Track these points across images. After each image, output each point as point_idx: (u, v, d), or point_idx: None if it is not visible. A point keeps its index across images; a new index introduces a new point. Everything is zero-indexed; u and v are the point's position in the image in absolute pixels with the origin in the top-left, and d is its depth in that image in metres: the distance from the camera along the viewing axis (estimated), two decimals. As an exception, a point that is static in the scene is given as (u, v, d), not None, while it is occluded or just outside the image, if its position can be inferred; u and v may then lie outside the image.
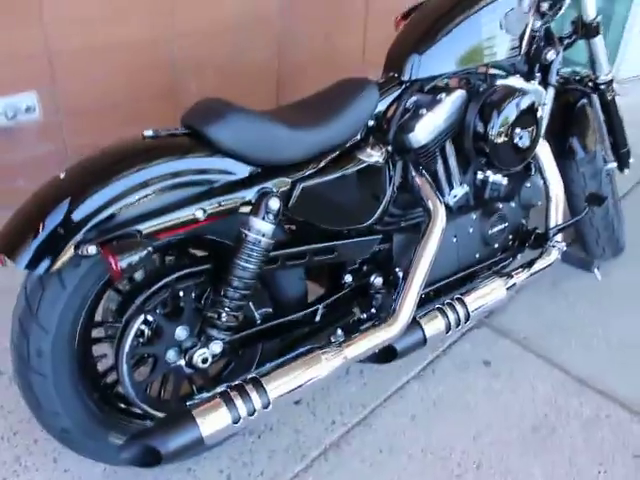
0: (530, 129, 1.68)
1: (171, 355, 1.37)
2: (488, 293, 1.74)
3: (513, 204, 1.87)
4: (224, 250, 1.40)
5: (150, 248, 1.17)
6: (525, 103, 1.64)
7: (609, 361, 1.99)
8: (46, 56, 2.17)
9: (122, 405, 1.45)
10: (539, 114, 1.70)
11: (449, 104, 1.62)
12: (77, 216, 1.17)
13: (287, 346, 1.51)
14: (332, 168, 1.46)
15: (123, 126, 2.40)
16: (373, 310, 1.63)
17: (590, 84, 2.10)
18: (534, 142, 1.71)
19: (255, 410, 1.30)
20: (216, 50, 2.50)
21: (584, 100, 2.07)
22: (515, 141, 1.66)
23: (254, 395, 1.30)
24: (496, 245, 1.86)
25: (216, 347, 1.34)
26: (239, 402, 1.28)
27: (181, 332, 1.36)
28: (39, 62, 2.16)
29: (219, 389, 1.30)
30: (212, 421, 1.25)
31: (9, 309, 1.30)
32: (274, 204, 1.30)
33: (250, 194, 1.32)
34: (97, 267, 1.25)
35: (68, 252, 1.17)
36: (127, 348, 1.30)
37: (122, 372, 1.31)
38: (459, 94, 1.64)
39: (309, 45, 2.76)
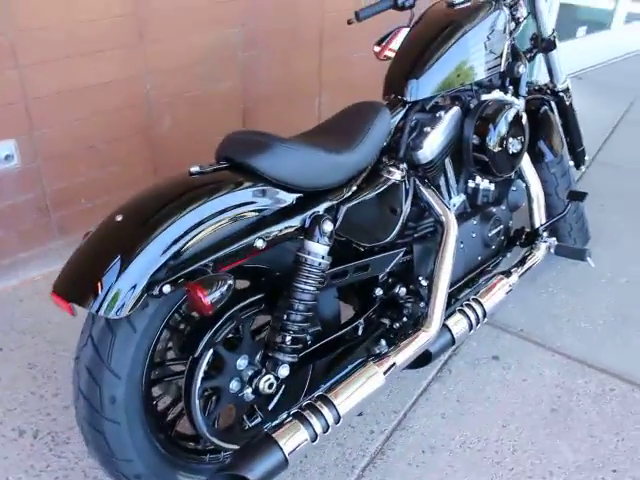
0: (519, 137, 1.84)
1: (234, 385, 1.39)
2: (497, 291, 1.88)
3: (503, 207, 2.02)
4: (271, 278, 1.45)
5: (231, 280, 1.20)
6: (513, 114, 1.80)
7: (599, 340, 2.17)
8: (23, 102, 2.12)
9: (186, 443, 1.45)
10: (523, 122, 1.86)
11: (448, 120, 1.75)
12: (145, 258, 1.17)
13: (335, 363, 1.57)
14: (365, 189, 1.54)
15: (100, 167, 2.41)
16: (405, 319, 1.72)
17: (549, 92, 2.31)
18: (523, 148, 1.87)
19: (329, 426, 1.34)
20: (186, 84, 2.53)
21: (545, 107, 2.26)
22: (509, 149, 1.81)
23: (325, 412, 1.35)
24: (493, 246, 2.00)
25: (284, 370, 1.38)
26: (314, 420, 1.32)
27: (242, 362, 1.39)
28: (17, 109, 2.11)
29: (292, 410, 1.34)
30: (293, 442, 1.29)
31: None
32: (328, 227, 1.36)
33: (302, 219, 1.37)
34: (163, 306, 1.26)
35: (140, 293, 1.18)
36: (199, 384, 1.31)
37: (194, 408, 1.32)
38: (455, 110, 1.77)
39: (270, 72, 2.84)
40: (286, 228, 1.34)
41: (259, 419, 1.53)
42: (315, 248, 1.35)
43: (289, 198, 1.38)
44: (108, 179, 2.44)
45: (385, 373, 1.49)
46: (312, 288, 1.36)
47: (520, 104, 2.02)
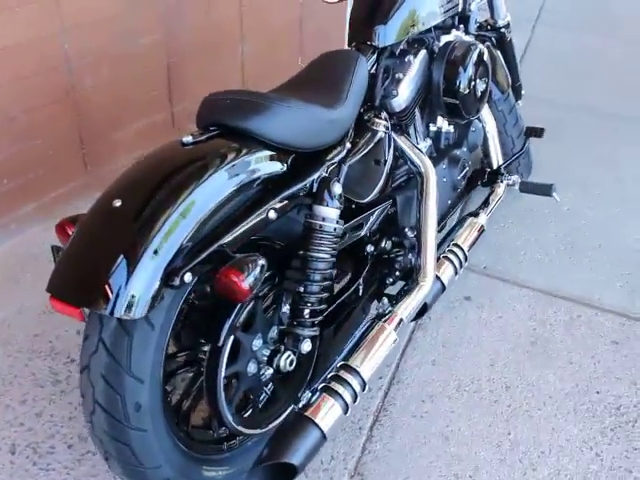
0: (485, 76, 1.82)
1: (252, 368, 1.30)
2: (472, 233, 1.89)
3: (464, 149, 2.01)
4: (275, 250, 1.35)
5: (263, 261, 1.09)
6: (478, 54, 1.77)
7: (556, 269, 2.27)
8: None
9: (201, 435, 1.35)
10: (486, 61, 1.84)
11: (418, 65, 1.69)
12: (157, 246, 1.04)
13: (341, 331, 1.51)
14: (357, 144, 1.46)
15: (21, 141, 2.14)
16: (397, 273, 1.68)
17: (489, 28, 2.30)
18: (487, 87, 1.85)
19: (357, 394, 1.30)
20: (107, 41, 2.28)
21: (489, 44, 2.26)
22: (477, 89, 1.78)
23: (351, 380, 1.30)
24: (459, 189, 2.00)
25: (306, 345, 1.30)
26: (342, 390, 1.28)
27: (257, 342, 1.30)
28: None
29: (319, 385, 1.28)
30: (328, 417, 1.24)
31: None
32: (337, 189, 1.28)
33: (309, 184, 1.27)
34: (178, 296, 1.14)
35: (159, 287, 1.05)
36: (223, 372, 1.21)
37: (220, 399, 1.23)
38: (423, 54, 1.72)
39: (192, 23, 2.62)
40: (294, 195, 1.24)
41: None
42: (328, 213, 1.26)
43: (291, 162, 1.28)
44: (31, 154, 2.18)
45: (396, 330, 1.46)
46: (328, 256, 1.28)
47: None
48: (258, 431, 1.35)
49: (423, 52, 1.70)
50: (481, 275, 2.22)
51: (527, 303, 2.11)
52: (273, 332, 1.33)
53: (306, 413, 1.22)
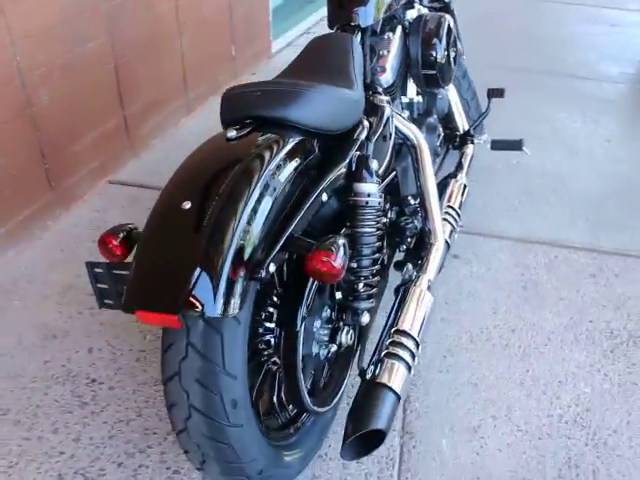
0: (454, 45, 1.92)
1: (315, 348, 1.34)
2: (458, 193, 2.00)
3: (435, 116, 2.11)
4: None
5: (344, 239, 1.12)
6: (447, 24, 1.86)
7: (524, 218, 2.44)
8: None
9: (271, 421, 1.38)
10: (453, 30, 1.94)
11: (397, 40, 1.77)
12: (239, 242, 1.04)
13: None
14: (372, 121, 1.51)
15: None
16: (409, 239, 1.76)
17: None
18: (457, 54, 1.96)
19: (415, 354, 1.37)
20: (56, 48, 2.18)
21: (448, 15, 2.36)
22: (451, 57, 1.88)
23: (407, 342, 1.37)
24: (439, 155, 2.11)
25: (365, 318, 1.35)
26: (402, 353, 1.34)
27: (316, 322, 1.34)
28: None
29: (383, 352, 1.34)
30: (397, 379, 1.29)
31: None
32: (375, 164, 1.33)
33: (347, 164, 1.31)
34: (254, 288, 1.15)
35: (245, 282, 1.06)
36: (300, 356, 1.24)
37: (300, 383, 1.26)
38: (399, 29, 1.79)
39: (134, 21, 2.55)
40: (337, 176, 1.28)
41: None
42: (371, 188, 1.31)
43: (327, 145, 1.32)
44: (-6, 175, 2.07)
45: (429, 289, 1.54)
46: (376, 229, 1.33)
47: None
48: (327, 408, 1.39)
49: (399, 28, 1.78)
50: (461, 234, 2.33)
51: (508, 252, 2.26)
52: (326, 311, 1.37)
53: (378, 380, 1.28)
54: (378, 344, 1.41)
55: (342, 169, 1.29)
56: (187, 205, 1.05)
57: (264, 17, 3.59)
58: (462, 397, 1.71)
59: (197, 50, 2.96)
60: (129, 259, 1.16)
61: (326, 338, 1.36)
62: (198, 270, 1.00)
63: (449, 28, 1.88)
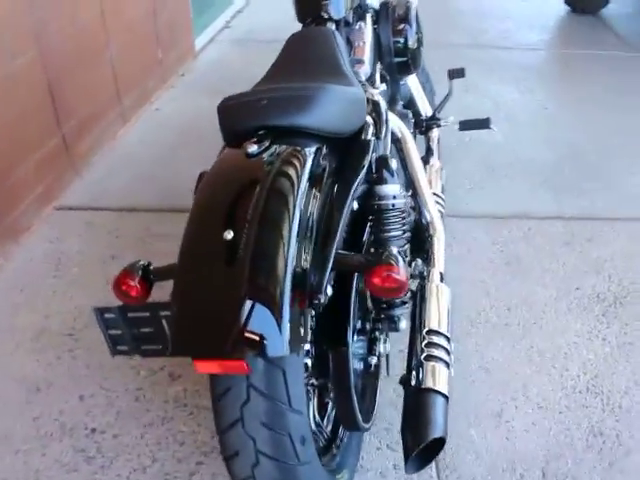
0: (420, 29, 1.88)
1: (357, 362, 1.28)
2: (437, 176, 1.98)
3: (402, 102, 2.08)
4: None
5: (395, 248, 1.06)
6: (415, 8, 1.82)
7: (489, 193, 2.47)
8: None
9: (330, 445, 1.30)
10: (417, 14, 1.90)
11: (369, 29, 1.71)
12: (290, 272, 0.94)
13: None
14: (373, 117, 1.44)
15: None
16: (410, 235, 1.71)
17: None
18: (422, 38, 1.92)
19: (449, 350, 1.34)
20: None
21: None
22: (420, 43, 1.84)
23: (440, 340, 1.33)
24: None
25: (403, 324, 1.30)
26: (438, 352, 1.30)
27: (354, 336, 1.27)
28: None
29: (422, 356, 1.29)
30: (441, 380, 1.25)
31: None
32: (394, 164, 1.26)
33: (368, 167, 1.24)
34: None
35: (308, 311, 0.99)
36: (352, 375, 1.17)
37: (353, 402, 1.19)
38: (369, 18, 1.73)
39: (62, 33, 2.34)
40: (360, 180, 1.21)
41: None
42: (395, 190, 1.25)
43: (341, 149, 1.24)
44: None
45: (442, 281, 1.51)
46: (403, 232, 1.28)
47: None
48: (371, 422, 1.33)
49: (369, 16, 1.72)
50: (434, 217, 2.34)
51: (483, 230, 2.27)
52: (362, 324, 1.31)
53: (424, 386, 1.23)
54: (412, 349, 1.37)
55: (363, 173, 1.23)
56: (229, 235, 0.95)
57: (186, 16, 3.42)
58: (477, 384, 1.70)
59: (126, 57, 2.77)
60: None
61: (365, 351, 1.30)
62: (258, 306, 0.90)
63: (416, 12, 1.84)
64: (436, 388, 1.23)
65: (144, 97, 2.95)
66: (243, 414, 0.99)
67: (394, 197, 1.25)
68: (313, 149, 1.14)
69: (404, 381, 1.30)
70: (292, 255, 0.96)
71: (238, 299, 0.92)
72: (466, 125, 2.23)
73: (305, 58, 1.44)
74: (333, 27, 1.58)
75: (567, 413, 1.62)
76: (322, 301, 0.97)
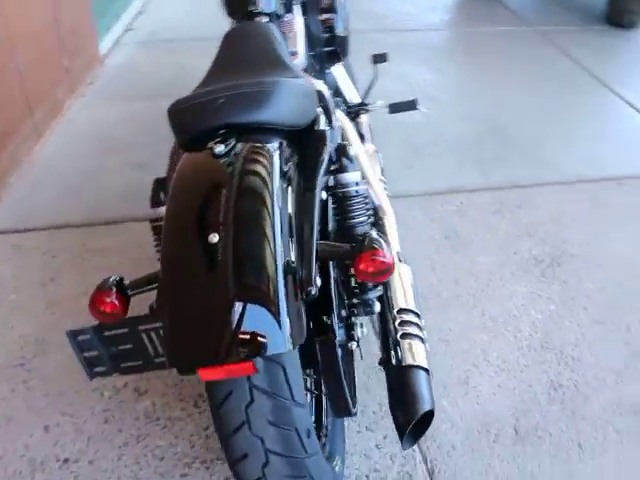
0: (348, 16, 1.91)
1: (339, 350, 1.29)
2: (375, 161, 2.02)
3: (331, 91, 2.10)
4: None
5: (373, 232, 1.07)
6: None
7: (418, 172, 2.55)
8: None
9: (318, 434, 1.31)
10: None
11: (299, 19, 1.71)
12: (280, 269, 0.94)
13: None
14: (321, 107, 1.45)
15: None
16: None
17: None
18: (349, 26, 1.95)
19: (421, 326, 1.38)
20: None
21: None
22: (348, 30, 1.87)
23: (411, 318, 1.36)
24: None
25: (377, 306, 1.32)
26: (412, 329, 1.34)
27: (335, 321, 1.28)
28: None
29: (397, 335, 1.32)
30: (419, 355, 1.28)
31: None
32: (352, 151, 1.28)
33: (329, 157, 1.25)
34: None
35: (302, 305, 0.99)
36: (340, 363, 1.19)
37: (344, 389, 1.20)
38: (297, 9, 1.73)
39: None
40: (325, 171, 1.22)
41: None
42: (357, 177, 1.27)
43: (301, 141, 1.24)
44: None
45: (401, 261, 1.54)
46: (368, 217, 1.30)
47: None
48: (357, 405, 1.35)
49: (297, 7, 1.72)
50: (371, 201, 2.38)
51: (419, 209, 2.34)
52: (340, 307, 1.32)
53: (404, 364, 1.26)
54: (385, 330, 1.39)
55: (326, 163, 1.23)
56: (214, 238, 0.93)
57: (88, 22, 3.27)
58: (440, 356, 1.76)
59: (33, 68, 2.62)
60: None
61: (344, 337, 1.31)
62: (254, 306, 0.90)
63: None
64: (417, 364, 1.26)
65: (56, 109, 2.81)
66: (249, 416, 0.99)
67: (357, 184, 1.27)
68: (276, 144, 1.14)
69: (384, 362, 1.32)
70: (279, 251, 0.96)
71: (234, 301, 0.91)
72: (395, 108, 2.28)
73: (247, 54, 1.43)
74: (266, 20, 1.57)
75: (527, 371, 1.72)
76: (314, 292, 0.98)
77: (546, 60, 3.61)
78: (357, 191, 1.27)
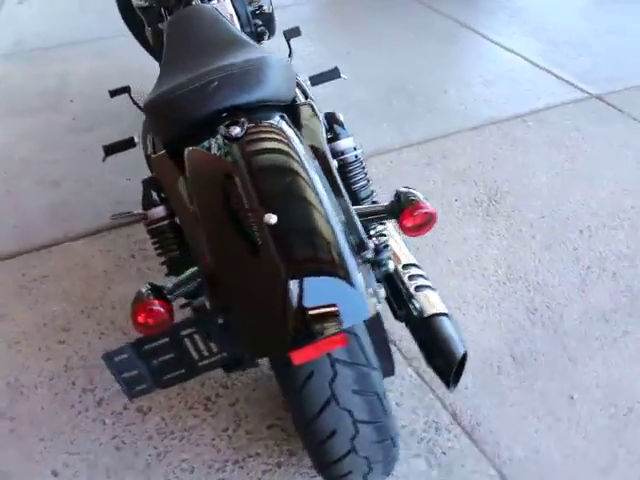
0: None
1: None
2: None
3: None
4: None
5: (402, 188, 1.12)
6: None
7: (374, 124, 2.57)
8: None
9: None
10: None
11: (227, 1, 1.67)
12: (341, 239, 0.97)
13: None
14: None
15: None
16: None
17: None
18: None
19: (426, 276, 1.42)
20: None
21: None
22: (272, 6, 1.85)
23: (416, 270, 1.40)
24: None
25: (391, 264, 1.33)
26: (422, 281, 1.38)
27: None
28: None
29: (411, 289, 1.36)
30: (436, 302, 1.31)
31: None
32: (341, 116, 1.28)
33: (323, 125, 1.24)
34: None
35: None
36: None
37: (389, 349, 1.24)
38: None
39: None
40: (325, 138, 1.21)
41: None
42: (352, 142, 1.27)
43: (297, 114, 1.23)
44: None
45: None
46: (368, 180, 1.31)
47: None
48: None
49: (222, -11, 1.68)
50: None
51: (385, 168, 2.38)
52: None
53: (426, 314, 1.30)
54: (395, 286, 1.43)
55: (324, 132, 1.23)
56: (272, 219, 0.91)
57: None
58: (423, 307, 1.83)
59: None
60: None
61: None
62: (329, 279, 0.90)
63: None
64: (438, 311, 1.31)
65: None
66: (334, 390, 0.99)
67: (354, 149, 1.29)
68: (280, 119, 1.13)
69: (404, 317, 1.36)
70: (334, 223, 0.96)
71: (308, 277, 0.90)
72: (317, 79, 2.29)
73: (203, 37, 1.38)
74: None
75: (503, 304, 1.83)
76: (370, 256, 0.99)
77: (421, 19, 3.75)
78: (356, 156, 1.29)
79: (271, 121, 1.10)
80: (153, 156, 1.23)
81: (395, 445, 1.13)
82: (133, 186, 2.22)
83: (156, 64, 1.89)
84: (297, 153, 1.03)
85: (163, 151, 1.19)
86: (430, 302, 1.33)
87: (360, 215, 1.07)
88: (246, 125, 1.05)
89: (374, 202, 1.33)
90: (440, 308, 1.31)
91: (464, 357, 1.25)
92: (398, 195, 1.09)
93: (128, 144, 1.83)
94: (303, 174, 1.00)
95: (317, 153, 1.15)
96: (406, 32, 3.57)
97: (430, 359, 1.27)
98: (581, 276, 1.92)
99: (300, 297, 0.89)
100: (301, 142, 1.09)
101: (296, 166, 1.01)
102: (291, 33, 2.26)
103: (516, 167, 2.41)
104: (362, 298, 0.92)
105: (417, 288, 1.36)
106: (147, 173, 1.34)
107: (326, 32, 3.61)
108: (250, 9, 1.74)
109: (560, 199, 2.24)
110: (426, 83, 3.02)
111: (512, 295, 1.86)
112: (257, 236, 0.92)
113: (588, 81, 3.00)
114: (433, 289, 1.37)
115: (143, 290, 1.00)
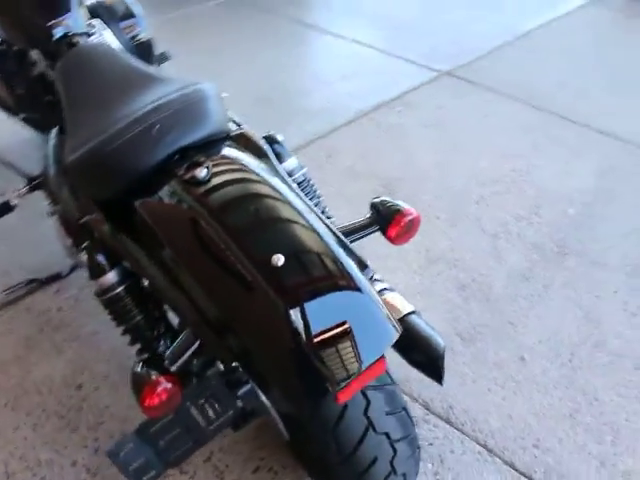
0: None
1: None
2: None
3: None
4: None
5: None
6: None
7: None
8: None
9: None
10: None
11: (107, 32, 1.57)
12: (353, 269, 0.97)
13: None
14: None
15: None
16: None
17: None
18: None
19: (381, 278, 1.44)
20: None
21: None
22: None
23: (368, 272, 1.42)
24: None
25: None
26: (380, 284, 1.38)
27: None
28: None
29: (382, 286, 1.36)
30: (400, 301, 1.30)
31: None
32: (280, 137, 1.25)
33: (264, 148, 1.19)
34: None
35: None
36: None
37: None
38: (99, 23, 1.58)
39: None
40: (277, 162, 1.17)
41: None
42: (296, 161, 1.25)
43: (239, 143, 1.18)
44: None
45: None
46: (319, 196, 1.30)
47: None
48: None
49: (98, 22, 1.57)
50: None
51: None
52: None
53: (405, 316, 1.30)
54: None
55: (273, 157, 1.19)
56: (280, 261, 0.87)
57: None
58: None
59: None
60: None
61: None
62: (356, 308, 0.89)
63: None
64: (407, 311, 1.33)
65: None
66: (370, 418, 0.97)
67: (301, 168, 1.26)
68: (234, 152, 1.09)
69: None
70: (335, 250, 0.95)
71: (340, 311, 0.88)
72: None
73: (113, 76, 1.27)
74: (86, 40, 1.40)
75: (434, 287, 1.91)
76: (371, 275, 0.98)
77: (267, 25, 3.72)
78: (304, 174, 1.27)
79: (229, 156, 1.05)
80: (89, 218, 1.11)
81: (419, 450, 1.14)
82: (14, 252, 2.00)
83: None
84: (271, 184, 0.99)
85: (100, 213, 1.09)
86: (391, 305, 1.34)
87: (345, 234, 1.05)
88: (210, 165, 0.99)
89: (328, 217, 1.31)
90: (408, 308, 1.33)
91: (443, 351, 1.28)
92: (375, 206, 1.09)
93: (4, 209, 1.66)
94: (288, 204, 0.97)
95: (277, 178, 1.12)
96: (256, 40, 3.54)
97: (414, 359, 1.28)
98: (492, 244, 2.05)
99: (333, 334, 0.86)
100: (269, 172, 1.05)
101: (279, 197, 0.97)
102: (161, 59, 2.16)
103: (401, 155, 2.50)
104: (387, 320, 0.91)
105: (380, 292, 1.37)
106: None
107: (179, 52, 3.48)
108: (128, 39, 1.63)
109: (448, 176, 2.37)
110: (287, 88, 3.03)
111: (437, 277, 1.93)
112: (265, 280, 0.87)
113: (436, 59, 3.19)
114: (392, 290, 1.38)
115: (139, 369, 0.91)
